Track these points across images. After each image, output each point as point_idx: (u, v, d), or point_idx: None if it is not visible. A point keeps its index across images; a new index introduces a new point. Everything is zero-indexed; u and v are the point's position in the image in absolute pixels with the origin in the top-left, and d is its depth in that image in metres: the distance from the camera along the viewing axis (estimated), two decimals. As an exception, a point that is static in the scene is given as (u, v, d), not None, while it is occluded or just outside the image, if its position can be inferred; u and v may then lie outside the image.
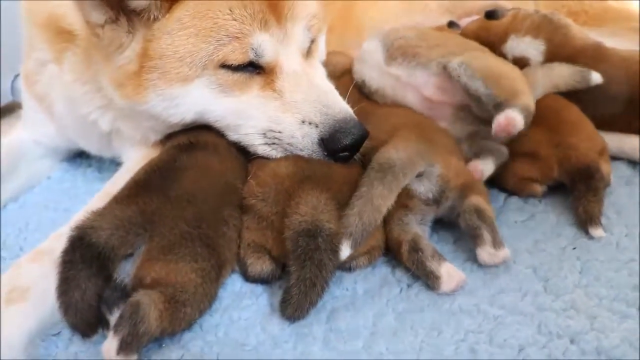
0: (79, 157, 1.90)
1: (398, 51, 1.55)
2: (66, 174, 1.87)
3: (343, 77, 1.70)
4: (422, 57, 1.50)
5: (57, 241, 1.26)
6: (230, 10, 1.31)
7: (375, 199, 1.20)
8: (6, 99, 2.43)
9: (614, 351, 1.05)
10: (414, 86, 1.50)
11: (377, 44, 1.62)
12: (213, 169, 1.37)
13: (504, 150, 1.44)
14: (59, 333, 1.21)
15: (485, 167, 1.41)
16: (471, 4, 1.88)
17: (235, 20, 1.31)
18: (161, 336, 1.13)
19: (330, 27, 1.85)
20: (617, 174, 1.51)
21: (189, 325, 1.17)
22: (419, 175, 1.29)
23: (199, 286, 1.15)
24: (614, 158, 1.56)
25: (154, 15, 1.31)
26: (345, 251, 1.19)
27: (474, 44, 1.58)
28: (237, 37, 1.32)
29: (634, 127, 1.53)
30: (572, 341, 1.08)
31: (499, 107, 1.33)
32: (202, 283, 1.16)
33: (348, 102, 1.51)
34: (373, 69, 1.59)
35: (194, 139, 1.43)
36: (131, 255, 1.19)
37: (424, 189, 1.29)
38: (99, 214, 1.19)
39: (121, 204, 1.24)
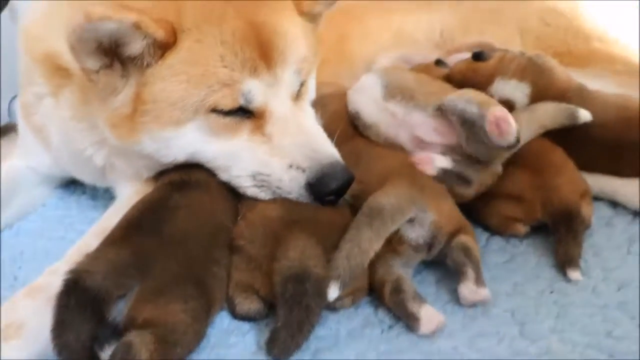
0: (72, 184, 1.97)
1: (396, 90, 1.61)
2: (60, 202, 1.94)
3: (334, 107, 1.75)
4: (418, 101, 1.56)
5: (52, 276, 1.34)
6: (221, 58, 1.38)
7: (363, 243, 1.27)
8: (4, 120, 2.50)
9: (586, 398, 1.12)
10: (408, 125, 1.56)
11: (376, 79, 1.68)
12: (204, 209, 1.44)
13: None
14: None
15: (441, 160, 1.48)
16: (460, 41, 1.95)
17: (225, 67, 1.38)
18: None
19: (324, 60, 1.90)
20: (597, 215, 1.57)
21: None
22: (411, 221, 1.35)
23: (189, 326, 1.21)
24: (595, 198, 1.62)
25: (148, 62, 1.37)
26: (333, 293, 1.25)
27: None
28: (228, 84, 1.39)
29: (621, 171, 1.59)
30: (545, 387, 1.15)
31: None
32: (193, 323, 1.23)
33: (341, 137, 1.58)
34: (370, 103, 1.65)
35: (186, 177, 1.50)
36: (124, 295, 1.24)
37: (416, 235, 1.35)
38: (94, 258, 1.26)
39: (114, 245, 1.31)
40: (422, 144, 1.54)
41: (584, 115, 1.58)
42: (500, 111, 1.39)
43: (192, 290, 1.25)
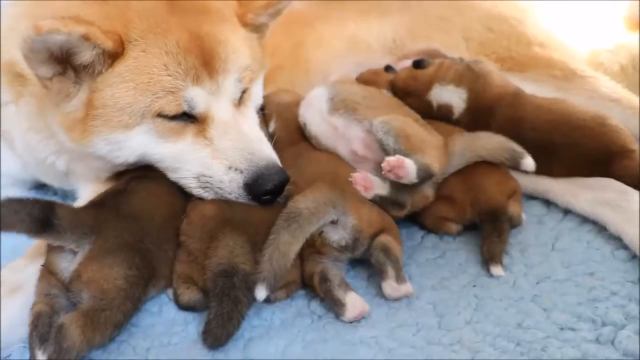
0: (45, 185, 2.09)
1: (342, 103, 1.73)
2: (33, 202, 2.08)
3: (285, 113, 1.90)
4: (359, 114, 1.69)
5: (14, 272, 1.50)
6: (166, 67, 1.53)
7: (282, 246, 1.40)
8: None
9: (488, 382, 1.25)
10: (346, 138, 1.69)
11: (324, 92, 1.80)
12: (162, 195, 1.62)
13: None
14: (9, 355, 1.43)
15: (379, 186, 1.56)
16: (411, 47, 2.08)
17: (169, 76, 1.53)
18: (92, 348, 1.35)
19: (280, 66, 2.06)
20: (530, 213, 1.70)
21: (114, 328, 1.39)
22: (334, 223, 1.48)
23: (121, 290, 1.38)
24: (530, 197, 1.75)
25: (98, 69, 1.52)
26: (261, 293, 1.38)
27: (406, 111, 1.75)
28: (172, 92, 1.53)
29: (552, 171, 1.71)
30: (452, 373, 1.28)
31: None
32: (127, 288, 1.39)
33: (287, 141, 1.72)
34: (316, 115, 1.78)
35: (145, 173, 1.67)
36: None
37: (338, 237, 1.48)
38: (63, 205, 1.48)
39: (79, 208, 1.52)
40: (357, 158, 1.68)
41: (528, 164, 1.61)
42: (395, 160, 1.49)
43: (138, 260, 1.43)
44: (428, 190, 1.63)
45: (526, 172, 1.70)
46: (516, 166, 1.63)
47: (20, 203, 1.37)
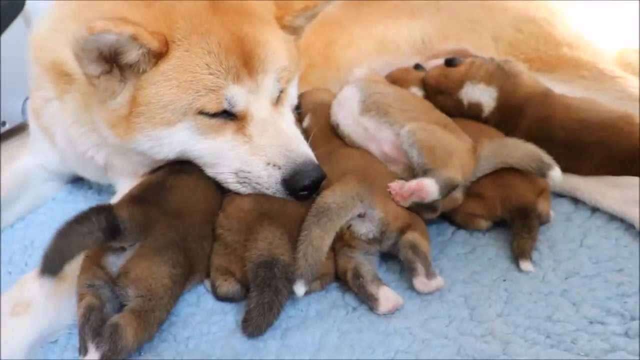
0: (81, 179, 2.22)
1: (373, 105, 1.80)
2: (69, 195, 2.20)
3: (320, 111, 1.98)
4: (391, 117, 1.75)
5: None
6: (208, 66, 1.61)
7: (315, 241, 1.47)
8: (13, 121, 2.78)
9: (518, 372, 1.31)
10: (377, 140, 1.76)
11: (355, 92, 1.87)
12: (200, 190, 1.70)
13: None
14: (56, 341, 1.52)
15: (431, 186, 1.58)
16: (439, 48, 2.15)
17: (211, 74, 1.61)
18: (140, 346, 1.42)
19: (312, 65, 2.14)
20: (558, 210, 1.76)
21: (159, 326, 1.47)
22: (362, 216, 1.55)
23: (168, 289, 1.46)
24: (558, 195, 1.81)
25: (143, 68, 1.60)
26: (300, 289, 1.46)
27: (437, 115, 1.80)
28: (213, 90, 1.61)
29: (580, 169, 1.77)
30: (484, 363, 1.35)
31: (426, 173, 1.59)
32: (172, 287, 1.48)
33: (322, 138, 1.79)
34: (348, 116, 1.86)
35: (183, 167, 1.74)
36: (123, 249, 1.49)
37: (366, 230, 1.55)
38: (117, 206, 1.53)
39: (128, 204, 1.56)
40: (389, 158, 1.75)
41: (555, 175, 1.62)
42: (415, 185, 1.55)
43: (182, 259, 1.51)
44: (457, 194, 1.67)
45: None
46: (543, 176, 1.66)
47: (86, 221, 1.41)
